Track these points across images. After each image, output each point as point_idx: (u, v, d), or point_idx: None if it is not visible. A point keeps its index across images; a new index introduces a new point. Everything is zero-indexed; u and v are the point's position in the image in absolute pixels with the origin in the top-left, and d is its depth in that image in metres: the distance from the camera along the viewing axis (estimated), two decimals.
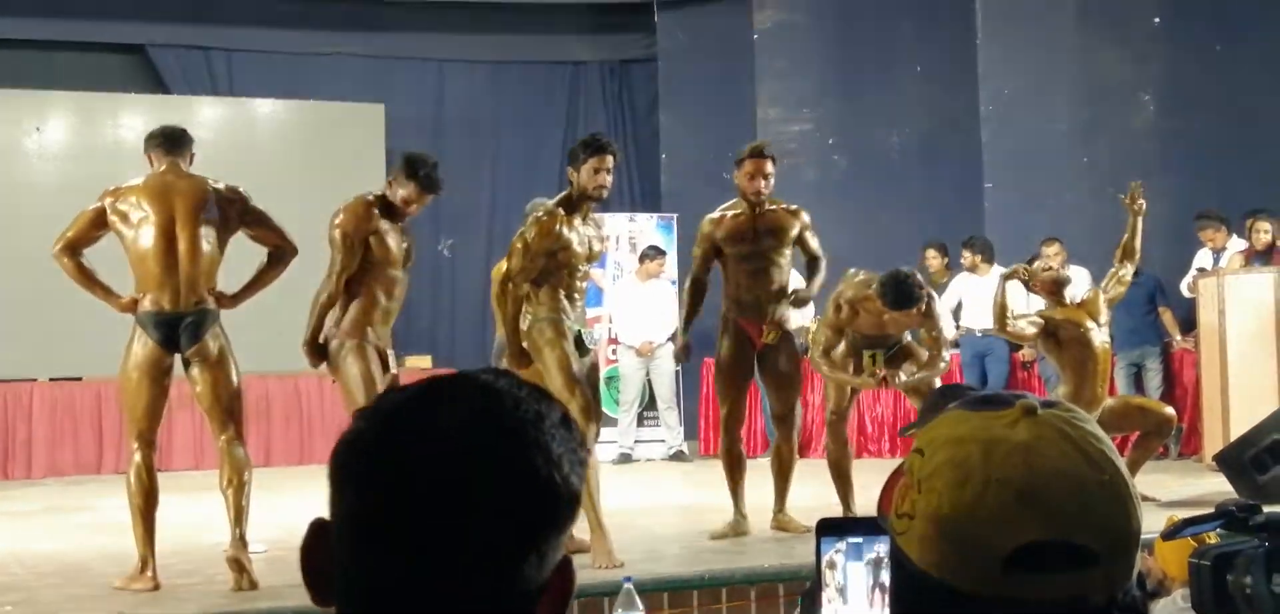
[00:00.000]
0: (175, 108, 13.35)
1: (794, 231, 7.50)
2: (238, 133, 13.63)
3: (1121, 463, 1.25)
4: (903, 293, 7.15)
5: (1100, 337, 8.19)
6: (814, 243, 7.56)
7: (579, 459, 1.20)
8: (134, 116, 13.41)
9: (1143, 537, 1.26)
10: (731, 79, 14.25)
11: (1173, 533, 2.00)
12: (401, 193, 6.77)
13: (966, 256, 11.71)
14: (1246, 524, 1.88)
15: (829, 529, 1.60)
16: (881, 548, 1.57)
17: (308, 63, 14.57)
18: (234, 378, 6.40)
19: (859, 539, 1.60)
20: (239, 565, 6.09)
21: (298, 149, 13.70)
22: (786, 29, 13.92)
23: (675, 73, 14.90)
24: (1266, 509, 1.90)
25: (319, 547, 1.19)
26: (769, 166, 7.40)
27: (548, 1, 15.15)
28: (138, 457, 6.29)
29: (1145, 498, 5.76)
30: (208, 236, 6.40)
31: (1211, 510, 1.95)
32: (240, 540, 6.17)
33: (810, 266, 7.61)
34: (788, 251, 7.55)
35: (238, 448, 6.33)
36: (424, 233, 14.64)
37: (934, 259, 11.98)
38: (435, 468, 1.14)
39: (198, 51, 14.41)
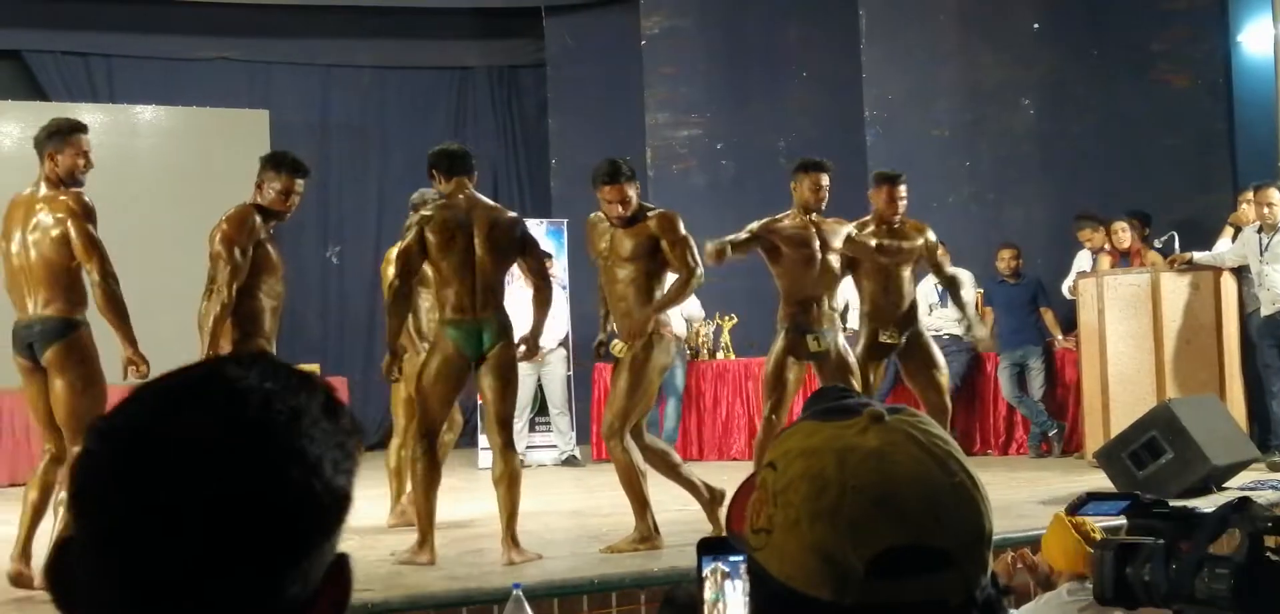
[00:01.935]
0: (54, 114, 13.10)
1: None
2: (119, 140, 13.39)
3: (968, 464, 1.28)
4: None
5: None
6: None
7: (347, 451, 1.13)
8: (12, 123, 13.15)
9: (995, 537, 1.30)
10: (620, 84, 14.28)
11: (1077, 507, 2.06)
12: (275, 188, 6.87)
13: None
14: (1150, 511, 1.95)
15: (709, 548, 1.62)
16: None
17: (190, 69, 14.38)
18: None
19: (740, 558, 1.62)
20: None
21: (180, 156, 13.50)
22: (674, 34, 13.98)
23: (564, 78, 14.91)
24: (1172, 503, 1.97)
25: (62, 565, 1.12)
26: (629, 191, 7.26)
27: (434, 7, 15.07)
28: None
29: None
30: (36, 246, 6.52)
31: (1120, 492, 2.02)
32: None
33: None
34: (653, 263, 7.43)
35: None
36: (311, 240, 14.55)
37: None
38: (171, 489, 1.06)
39: (77, 57, 14.17)
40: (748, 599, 1.59)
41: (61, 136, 6.57)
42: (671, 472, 7.52)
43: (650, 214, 7.30)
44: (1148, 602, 1.88)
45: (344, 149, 14.83)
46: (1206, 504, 1.92)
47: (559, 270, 12.71)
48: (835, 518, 1.23)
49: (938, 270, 8.69)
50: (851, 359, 8.07)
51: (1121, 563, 1.90)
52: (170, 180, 12.83)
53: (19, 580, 6.31)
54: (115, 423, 1.11)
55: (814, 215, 8.01)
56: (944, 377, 8.43)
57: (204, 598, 1.06)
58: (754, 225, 8.06)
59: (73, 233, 6.39)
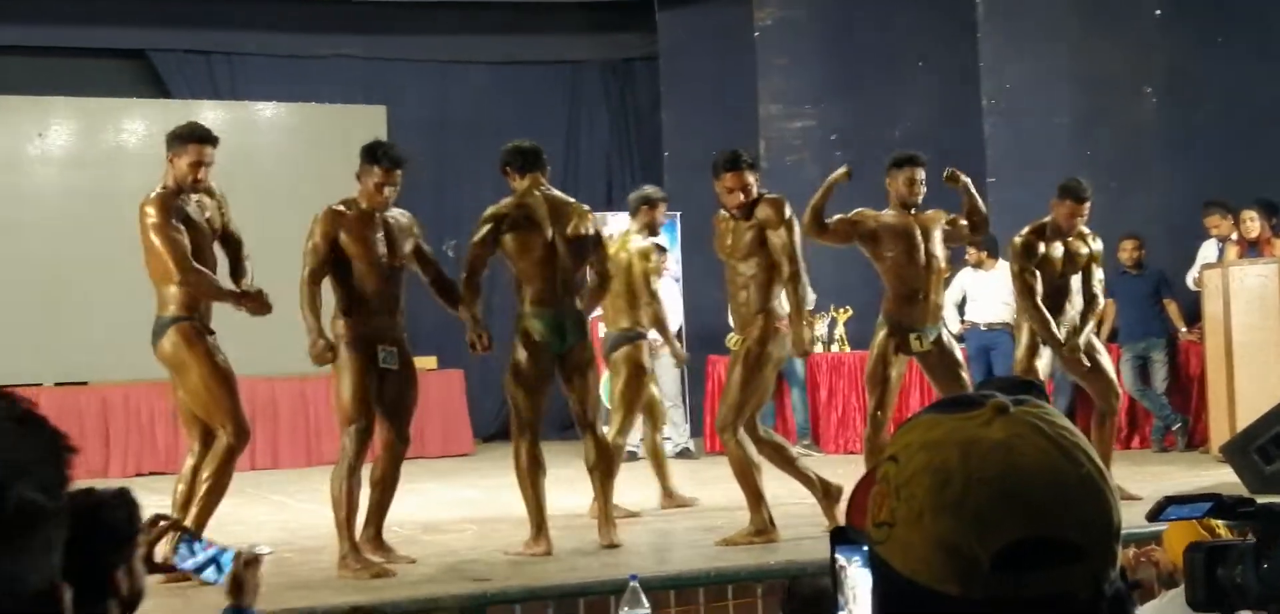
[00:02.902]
0: (178, 113, 13.35)
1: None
2: (240, 136, 13.60)
3: (1095, 455, 1.27)
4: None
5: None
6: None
7: (49, 464, 1.06)
8: (136, 121, 13.46)
9: (1125, 531, 1.29)
10: (733, 76, 14.26)
11: (1157, 513, 2.02)
12: (370, 183, 6.94)
13: (971, 251, 11.70)
14: (1235, 512, 1.91)
15: (843, 538, 1.62)
16: None
17: (310, 65, 14.59)
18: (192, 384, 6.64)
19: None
20: None
21: (300, 152, 13.72)
22: (788, 25, 13.93)
23: (676, 71, 14.91)
24: (1260, 500, 1.93)
25: None
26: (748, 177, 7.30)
27: (548, 1, 15.17)
28: None
29: (1127, 496, 5.77)
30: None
31: (1202, 493, 1.98)
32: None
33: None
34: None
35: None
36: (429, 236, 14.68)
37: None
38: None
39: (199, 55, 14.43)
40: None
41: (180, 141, 6.79)
42: (787, 465, 7.52)
43: (763, 199, 7.31)
44: (1242, 604, 1.84)
45: (460, 144, 14.93)
46: None
47: (672, 263, 12.72)
48: (960, 510, 1.22)
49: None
50: (959, 354, 8.08)
51: (1212, 565, 1.86)
52: (291, 176, 13.02)
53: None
54: None
55: (913, 210, 7.94)
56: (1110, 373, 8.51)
57: None
58: (852, 214, 7.97)
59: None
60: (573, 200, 7.51)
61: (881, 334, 7.85)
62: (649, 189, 9.54)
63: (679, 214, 13.15)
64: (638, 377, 8.68)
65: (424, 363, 13.16)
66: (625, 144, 15.77)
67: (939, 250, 7.95)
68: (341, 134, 13.61)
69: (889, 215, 7.94)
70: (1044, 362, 8.38)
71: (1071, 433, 1.26)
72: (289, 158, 13.51)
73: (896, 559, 1.26)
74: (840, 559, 1.59)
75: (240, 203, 12.96)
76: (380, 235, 6.99)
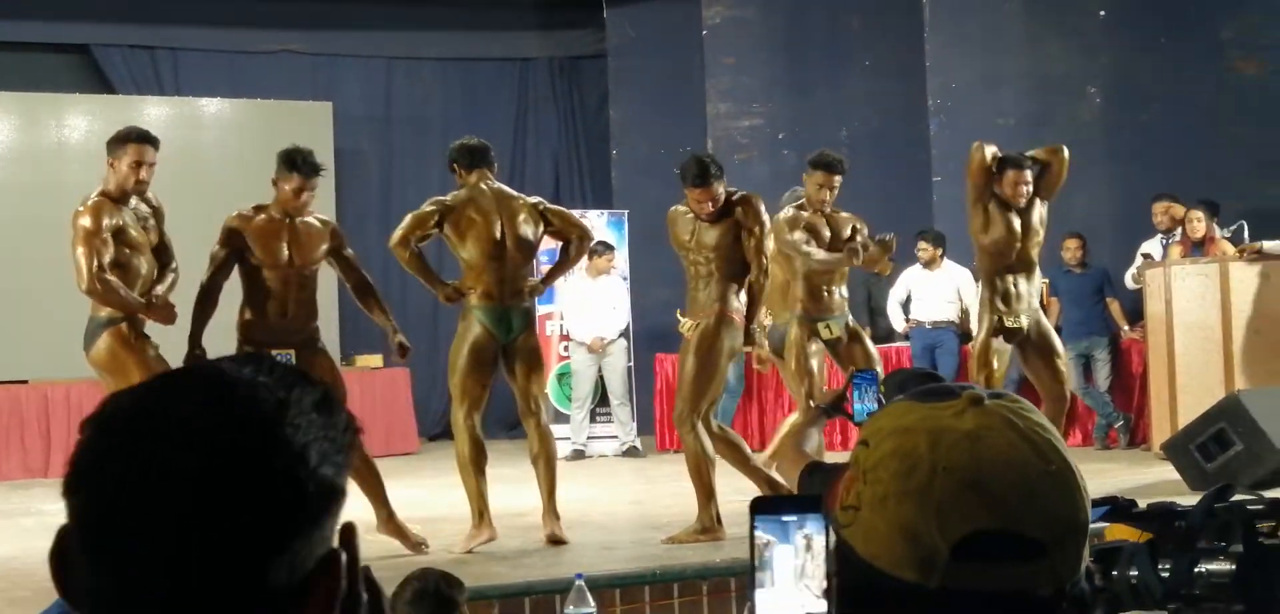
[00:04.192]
0: (121, 108, 13.22)
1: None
2: (184, 132, 13.50)
3: (1069, 454, 1.24)
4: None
5: None
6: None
7: (338, 446, 1.13)
8: (79, 117, 13.29)
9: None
10: (682, 74, 14.26)
11: None
12: (287, 188, 7.04)
13: (924, 249, 11.72)
14: (1129, 513, 1.90)
15: (762, 507, 1.59)
16: (811, 527, 1.57)
17: (255, 61, 14.49)
18: None
19: (791, 518, 1.60)
20: None
21: (245, 148, 13.59)
22: (736, 24, 13.94)
23: (625, 69, 14.90)
24: (1145, 502, 1.92)
25: (64, 553, 1.13)
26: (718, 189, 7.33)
27: None
28: None
29: None
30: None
31: (1098, 497, 1.96)
32: None
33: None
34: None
35: None
36: (373, 231, 14.60)
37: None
38: (154, 469, 1.08)
39: (143, 51, 14.29)
40: (800, 565, 1.55)
41: (120, 143, 6.76)
42: (741, 463, 7.48)
43: (735, 199, 7.32)
44: (1136, 605, 1.82)
45: (407, 141, 14.89)
46: (1187, 500, 1.86)
47: (620, 261, 12.71)
48: (924, 498, 1.20)
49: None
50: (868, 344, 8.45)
51: (1106, 568, 1.83)
52: (235, 173, 12.89)
53: None
54: (107, 409, 1.13)
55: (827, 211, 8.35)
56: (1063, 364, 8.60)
57: (187, 579, 1.07)
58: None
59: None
60: (521, 195, 7.52)
61: (794, 330, 8.23)
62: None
63: (626, 212, 13.13)
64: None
65: (368, 361, 13.11)
66: (573, 142, 15.74)
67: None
68: (286, 130, 13.42)
69: (806, 217, 8.29)
70: (1002, 359, 8.46)
71: (1044, 429, 1.25)
72: (233, 154, 13.38)
73: (858, 543, 1.25)
74: (759, 532, 1.56)
75: (184, 199, 12.87)
76: (285, 241, 7.05)
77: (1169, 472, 8.53)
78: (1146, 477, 8.91)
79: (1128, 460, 10.21)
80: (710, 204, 7.25)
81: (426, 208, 7.35)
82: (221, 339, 6.72)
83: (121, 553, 1.08)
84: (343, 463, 1.14)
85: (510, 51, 15.56)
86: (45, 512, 9.20)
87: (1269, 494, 1.96)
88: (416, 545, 7.01)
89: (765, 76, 13.82)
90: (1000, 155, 8.46)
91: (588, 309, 12.28)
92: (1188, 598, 1.75)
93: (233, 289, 7.16)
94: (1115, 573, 1.83)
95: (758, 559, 1.59)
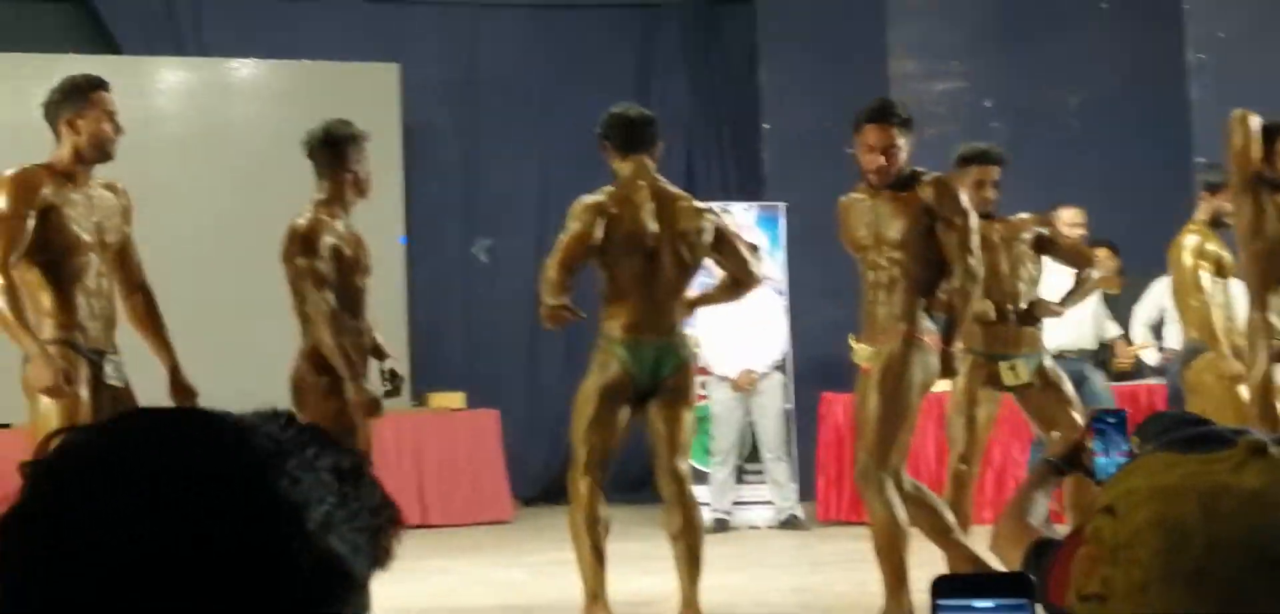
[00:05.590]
0: (128, 71, 13.46)
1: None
2: (208, 102, 13.73)
3: None
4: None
5: None
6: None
7: (359, 523, 1.12)
8: None
9: None
10: (855, 24, 14.17)
11: None
12: (351, 176, 7.45)
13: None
14: None
15: (947, 589, 1.60)
16: None
17: (300, 13, 14.64)
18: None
19: (985, 603, 1.61)
20: None
21: (287, 122, 13.75)
22: None
23: (781, 17, 14.85)
24: None
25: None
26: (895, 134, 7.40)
27: None
28: None
29: None
30: None
31: None
32: None
33: None
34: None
35: None
36: (452, 233, 14.74)
37: (1107, 259, 11.72)
38: (105, 501, 1.08)
39: (155, 0, 14.54)
40: None
41: (81, 96, 6.85)
42: (939, 535, 7.43)
43: (925, 180, 7.30)
44: None
45: (495, 111, 14.96)
46: None
47: (774, 270, 12.68)
48: (1200, 581, 1.19)
49: None
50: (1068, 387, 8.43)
51: None
52: (276, 152, 13.08)
53: None
54: (78, 436, 1.14)
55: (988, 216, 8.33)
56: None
57: None
58: None
59: None
60: (688, 196, 7.67)
61: (965, 365, 8.16)
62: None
63: (781, 206, 13.12)
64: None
65: (446, 401, 13.22)
66: (712, 114, 15.72)
67: (1029, 265, 8.43)
68: (342, 100, 13.69)
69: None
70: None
71: None
72: (272, 129, 13.56)
73: None
74: None
75: (208, 184, 13.14)
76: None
77: None
78: None
79: None
80: (883, 157, 7.27)
81: (583, 218, 7.36)
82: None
83: (52, 593, 1.08)
84: (363, 545, 1.12)
85: None
86: None
87: None
88: None
89: (968, 25, 13.72)
90: (1268, 124, 8.26)
91: (732, 333, 12.25)
92: None
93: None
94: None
95: None
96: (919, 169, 7.40)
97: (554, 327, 7.50)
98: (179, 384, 7.02)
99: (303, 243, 7.16)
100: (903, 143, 7.31)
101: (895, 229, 7.29)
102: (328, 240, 7.17)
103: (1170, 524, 1.22)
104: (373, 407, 7.11)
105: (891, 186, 7.33)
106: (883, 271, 7.35)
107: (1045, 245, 8.59)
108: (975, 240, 7.34)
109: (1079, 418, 7.94)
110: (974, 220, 7.38)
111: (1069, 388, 8.37)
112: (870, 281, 7.42)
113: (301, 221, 7.21)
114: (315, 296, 7.08)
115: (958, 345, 7.49)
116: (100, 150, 6.86)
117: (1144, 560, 1.22)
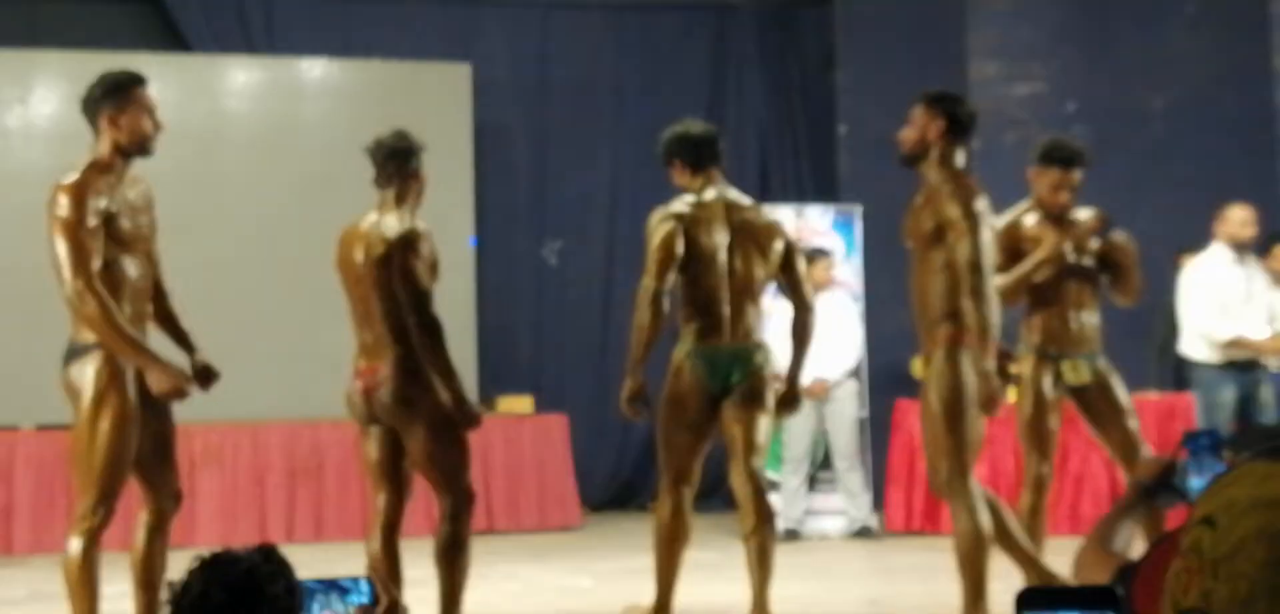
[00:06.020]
0: (198, 70, 13.60)
1: None
2: (279, 103, 13.81)
3: None
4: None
5: None
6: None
7: None
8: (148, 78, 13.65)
9: None
10: (934, 26, 14.17)
11: None
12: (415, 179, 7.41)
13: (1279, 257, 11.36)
14: None
15: (1032, 602, 1.59)
16: None
17: (371, 12, 14.73)
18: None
19: None
20: None
21: (358, 122, 13.83)
22: None
23: (858, 18, 14.85)
24: None
25: None
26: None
27: None
28: None
29: None
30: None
31: None
32: None
33: None
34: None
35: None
36: (522, 234, 14.80)
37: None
38: None
39: None
40: None
41: (122, 92, 6.90)
42: (1002, 538, 7.37)
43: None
44: None
45: (566, 113, 15.01)
46: None
47: (849, 275, 12.65)
48: None
49: None
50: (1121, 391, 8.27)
51: None
52: (346, 153, 13.13)
53: None
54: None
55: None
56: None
57: None
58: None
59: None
60: (759, 208, 7.80)
61: (1029, 368, 8.11)
62: None
63: (858, 210, 13.08)
64: None
65: (514, 405, 13.23)
66: (787, 116, 15.73)
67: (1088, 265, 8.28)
68: (412, 100, 13.77)
69: (1034, 225, 8.18)
70: None
71: None
72: (343, 129, 13.64)
73: None
74: None
75: (277, 183, 13.22)
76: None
77: None
78: None
79: None
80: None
81: (666, 228, 7.47)
82: None
83: None
84: None
85: None
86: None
87: None
88: None
89: (1049, 26, 13.70)
90: None
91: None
92: None
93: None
94: None
95: None
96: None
97: (632, 416, 7.66)
98: (201, 368, 6.98)
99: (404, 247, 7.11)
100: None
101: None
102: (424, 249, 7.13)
103: (1274, 535, 1.18)
104: (476, 419, 7.08)
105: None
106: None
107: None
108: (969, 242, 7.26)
109: (1131, 425, 8.03)
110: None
111: (1123, 394, 8.25)
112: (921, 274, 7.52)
113: (400, 230, 7.13)
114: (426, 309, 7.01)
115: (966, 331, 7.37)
116: (141, 146, 6.91)
117: (1249, 573, 1.19)
